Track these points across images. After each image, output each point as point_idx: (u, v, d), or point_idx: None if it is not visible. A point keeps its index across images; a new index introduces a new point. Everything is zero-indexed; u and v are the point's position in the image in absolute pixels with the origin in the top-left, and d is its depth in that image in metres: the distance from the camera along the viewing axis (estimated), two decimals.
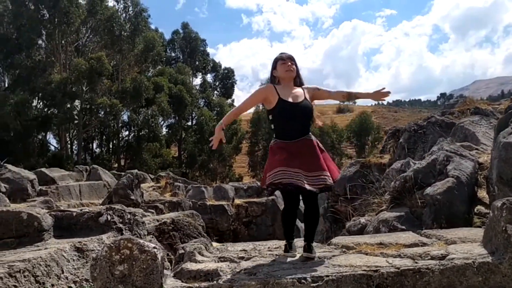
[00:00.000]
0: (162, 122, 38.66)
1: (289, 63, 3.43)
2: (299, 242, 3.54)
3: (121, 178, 12.89)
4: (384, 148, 9.43)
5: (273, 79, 3.52)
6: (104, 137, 37.19)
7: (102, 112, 32.95)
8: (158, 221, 7.77)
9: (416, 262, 2.79)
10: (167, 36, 44.17)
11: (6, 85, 33.66)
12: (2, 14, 32.18)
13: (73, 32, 32.93)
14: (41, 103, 32.19)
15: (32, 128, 29.82)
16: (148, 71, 38.85)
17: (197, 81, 44.76)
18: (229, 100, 45.65)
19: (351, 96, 3.61)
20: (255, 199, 15.74)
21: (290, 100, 3.34)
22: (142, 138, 34.87)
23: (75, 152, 34.90)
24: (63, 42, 32.42)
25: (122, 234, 3.62)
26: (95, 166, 15.43)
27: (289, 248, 3.37)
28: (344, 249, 3.34)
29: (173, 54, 43.99)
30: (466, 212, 4.34)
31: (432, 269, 2.65)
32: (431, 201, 4.43)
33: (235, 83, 47.09)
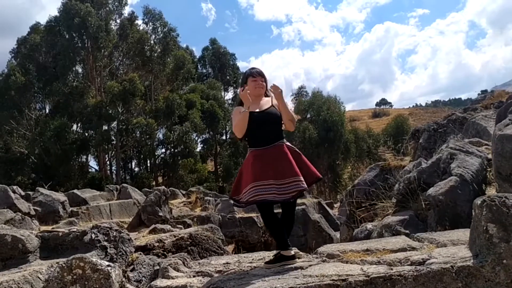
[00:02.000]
0: (197, 138, 39.18)
1: (260, 81, 3.55)
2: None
3: (149, 195, 13.05)
4: (405, 149, 9.09)
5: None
6: (141, 156, 38.03)
7: (138, 132, 33.77)
8: (175, 236, 7.75)
9: (391, 269, 2.59)
10: (198, 53, 45.02)
11: (47, 111, 35.16)
12: (40, 44, 33.76)
13: (106, 56, 34.08)
14: (79, 127, 33.39)
15: (72, 151, 30.94)
16: (181, 88, 39.58)
17: (229, 95, 45.18)
18: None
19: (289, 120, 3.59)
20: None
21: (257, 110, 3.44)
22: (177, 155, 35.42)
23: (114, 172, 35.86)
24: (97, 66, 33.59)
25: (106, 252, 3.60)
26: (125, 185, 15.74)
27: (283, 259, 3.22)
28: (325, 258, 3.17)
29: (204, 71, 44.65)
30: (471, 212, 4.04)
31: (405, 276, 2.44)
32: (434, 202, 4.17)
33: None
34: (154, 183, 35.56)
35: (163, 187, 16.28)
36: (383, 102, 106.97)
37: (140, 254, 4.07)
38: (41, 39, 33.72)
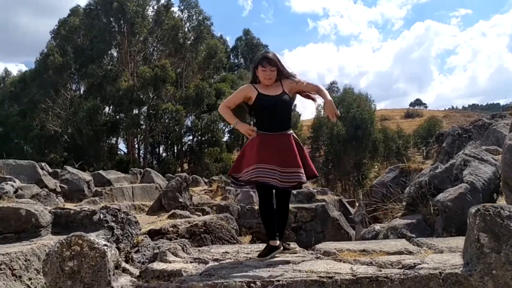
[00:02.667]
0: (224, 127, 39.43)
1: (270, 71, 3.48)
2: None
3: (170, 181, 13.30)
4: (428, 153, 8.94)
5: (255, 78, 3.58)
6: (169, 141, 38.61)
7: (167, 118, 34.28)
8: (189, 223, 7.91)
9: (380, 270, 2.60)
10: (232, 43, 45.22)
11: (81, 92, 36.11)
12: (79, 26, 34.62)
13: (140, 41, 34.65)
14: (110, 109, 34.16)
15: (102, 133, 31.73)
16: (212, 77, 39.87)
17: None
18: None
19: (320, 95, 3.61)
20: (304, 205, 15.55)
21: (269, 93, 3.44)
22: (204, 143, 35.80)
23: (142, 156, 36.57)
24: (131, 51, 34.20)
25: (113, 232, 3.74)
26: (148, 169, 16.08)
27: (272, 250, 3.27)
28: (320, 255, 3.20)
29: (236, 61, 44.82)
30: None
31: (392, 279, 2.46)
32: (442, 208, 4.12)
33: None
34: (179, 169, 36.12)
35: (185, 173, 16.56)
36: (418, 102, 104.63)
37: (146, 237, 4.20)
38: (80, 21, 34.54)
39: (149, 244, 4.00)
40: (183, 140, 36.94)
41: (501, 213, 2.43)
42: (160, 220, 9.37)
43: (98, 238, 3.15)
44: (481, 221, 2.42)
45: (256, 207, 14.55)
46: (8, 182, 9.42)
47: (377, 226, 5.11)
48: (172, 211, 10.39)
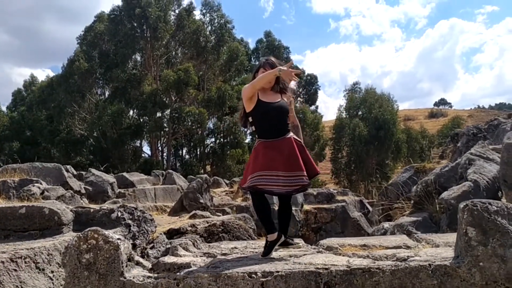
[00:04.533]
0: (247, 130, 39.76)
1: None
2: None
3: (191, 183, 13.57)
4: (444, 153, 8.95)
5: None
6: (191, 144, 39.13)
7: (189, 120, 34.77)
8: (208, 223, 8.15)
9: (374, 263, 2.76)
10: (253, 45, 45.47)
11: (106, 96, 36.98)
12: (103, 32, 35.49)
13: (163, 45, 35.29)
14: (135, 113, 34.88)
15: (127, 136, 32.43)
16: (233, 80, 40.23)
17: None
18: (313, 107, 45.63)
19: (296, 129, 3.74)
20: (324, 205, 15.62)
21: (268, 100, 3.57)
22: (226, 145, 36.17)
23: (165, 158, 37.18)
24: (154, 55, 34.87)
25: (130, 229, 3.99)
26: (170, 171, 16.43)
27: (272, 245, 3.39)
28: (322, 249, 3.37)
29: (257, 63, 44.96)
30: None
31: (383, 270, 2.61)
32: (446, 205, 4.23)
33: (319, 89, 47.05)
34: (202, 171, 36.58)
35: (205, 175, 16.87)
36: (442, 102, 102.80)
37: (161, 234, 4.43)
38: (105, 27, 35.41)
39: (164, 241, 4.23)
40: (205, 142, 37.41)
41: (488, 208, 2.55)
42: (180, 220, 9.64)
43: (115, 234, 3.40)
44: (468, 216, 2.55)
45: (276, 208, 14.73)
46: (35, 184, 9.82)
47: (386, 224, 5.22)
48: (193, 212, 10.65)
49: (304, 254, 3.20)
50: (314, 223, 15.20)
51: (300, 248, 3.51)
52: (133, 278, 2.75)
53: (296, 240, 3.71)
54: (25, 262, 3.21)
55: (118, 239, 2.75)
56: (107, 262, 2.73)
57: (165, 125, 34.12)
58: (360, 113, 44.11)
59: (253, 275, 2.70)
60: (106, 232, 2.76)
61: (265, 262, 2.99)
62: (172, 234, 7.50)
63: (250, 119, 3.62)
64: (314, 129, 39.99)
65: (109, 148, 31.77)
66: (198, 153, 39.38)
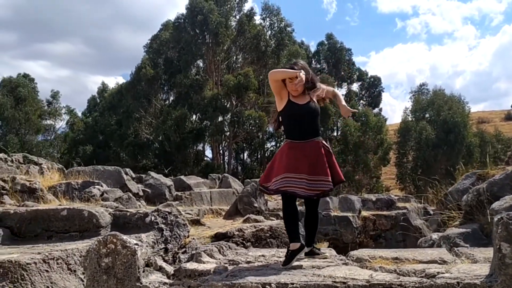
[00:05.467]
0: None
1: (296, 82, 3.51)
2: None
3: (246, 186, 13.63)
4: (510, 158, 8.24)
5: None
6: (252, 147, 39.46)
7: (249, 124, 35.11)
8: (255, 227, 8.11)
9: (398, 278, 2.55)
10: (314, 49, 45.12)
11: (170, 101, 38.31)
12: (168, 40, 36.83)
13: (224, 51, 35.96)
14: (197, 117, 35.83)
15: (189, 139, 33.37)
16: None
17: (342, 91, 44.52)
18: (376, 109, 44.34)
19: (335, 97, 3.64)
20: (384, 212, 15.08)
21: (298, 102, 3.52)
22: None
23: (226, 161, 37.78)
24: (215, 61, 35.63)
25: (162, 233, 4.02)
26: (226, 174, 16.62)
27: (294, 254, 3.26)
28: (349, 261, 3.19)
29: (318, 66, 44.59)
30: None
31: (405, 287, 2.40)
32: None
33: (383, 91, 45.68)
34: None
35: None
36: None
37: (193, 239, 4.44)
38: (170, 35, 36.72)
39: (196, 246, 4.23)
40: (265, 146, 37.56)
41: None
42: (232, 224, 9.68)
43: (148, 238, 3.44)
44: (503, 230, 2.29)
45: (333, 214, 14.40)
46: (96, 186, 10.32)
47: (434, 235, 4.88)
48: (247, 215, 10.68)
49: (328, 266, 3.04)
50: (373, 230, 14.70)
51: (326, 258, 3.35)
52: (149, 284, 2.75)
53: (323, 250, 3.56)
54: (57, 263, 3.33)
55: (136, 244, 2.76)
56: (124, 267, 2.75)
57: (226, 129, 34.71)
58: (427, 115, 42.20)
59: (267, 286, 2.60)
60: (125, 237, 2.79)
61: (284, 272, 2.88)
62: (219, 238, 7.52)
63: (280, 118, 3.59)
64: (377, 132, 38.82)
65: (172, 152, 32.84)
66: (258, 156, 39.62)
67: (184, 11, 36.57)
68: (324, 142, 3.58)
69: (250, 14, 36.81)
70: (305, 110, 3.48)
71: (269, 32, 36.89)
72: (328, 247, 12.19)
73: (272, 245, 7.63)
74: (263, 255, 3.61)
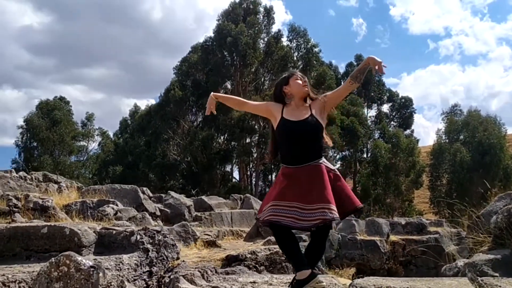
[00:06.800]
0: (335, 154, 38.69)
1: (304, 80, 3.23)
2: None
3: None
4: None
5: (281, 97, 3.23)
6: (279, 169, 38.97)
7: None
8: (270, 250, 7.62)
9: None
10: (343, 70, 44.68)
11: (198, 123, 38.51)
12: (197, 62, 37.26)
13: (252, 72, 36.02)
14: (223, 138, 35.80)
15: (216, 160, 33.26)
16: None
17: (372, 112, 43.72)
18: (408, 131, 43.21)
19: (354, 77, 3.13)
20: (414, 237, 14.29)
21: (292, 118, 3.07)
22: None
23: (254, 183, 37.40)
24: (243, 82, 35.71)
25: (147, 255, 3.65)
26: (248, 195, 16.23)
27: (300, 284, 2.84)
28: None
29: None
30: None
31: None
32: None
33: (415, 113, 44.56)
34: None
35: None
36: None
37: (183, 261, 4.05)
38: (198, 57, 37.17)
39: (187, 269, 3.83)
40: None
41: None
42: (249, 246, 9.22)
43: (130, 259, 3.07)
44: None
45: (359, 237, 13.70)
46: (110, 205, 10.12)
47: (460, 262, 4.33)
48: (268, 237, 10.20)
49: None
50: (402, 256, 13.90)
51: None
52: None
53: (323, 278, 3.08)
54: (19, 287, 3.01)
55: (91, 267, 2.39)
56: None
57: (253, 150, 34.45)
58: (461, 137, 40.75)
59: None
60: (79, 258, 2.44)
61: None
62: (230, 261, 7.08)
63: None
64: (409, 154, 37.69)
65: (199, 173, 32.77)
66: None
67: (211, 34, 37.04)
68: (328, 164, 3.11)
69: (278, 36, 36.90)
70: (298, 128, 3.04)
71: (296, 53, 36.80)
72: (355, 273, 11.54)
73: (288, 269, 7.13)
74: (254, 282, 3.18)
